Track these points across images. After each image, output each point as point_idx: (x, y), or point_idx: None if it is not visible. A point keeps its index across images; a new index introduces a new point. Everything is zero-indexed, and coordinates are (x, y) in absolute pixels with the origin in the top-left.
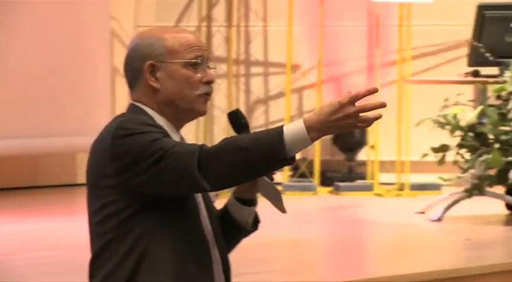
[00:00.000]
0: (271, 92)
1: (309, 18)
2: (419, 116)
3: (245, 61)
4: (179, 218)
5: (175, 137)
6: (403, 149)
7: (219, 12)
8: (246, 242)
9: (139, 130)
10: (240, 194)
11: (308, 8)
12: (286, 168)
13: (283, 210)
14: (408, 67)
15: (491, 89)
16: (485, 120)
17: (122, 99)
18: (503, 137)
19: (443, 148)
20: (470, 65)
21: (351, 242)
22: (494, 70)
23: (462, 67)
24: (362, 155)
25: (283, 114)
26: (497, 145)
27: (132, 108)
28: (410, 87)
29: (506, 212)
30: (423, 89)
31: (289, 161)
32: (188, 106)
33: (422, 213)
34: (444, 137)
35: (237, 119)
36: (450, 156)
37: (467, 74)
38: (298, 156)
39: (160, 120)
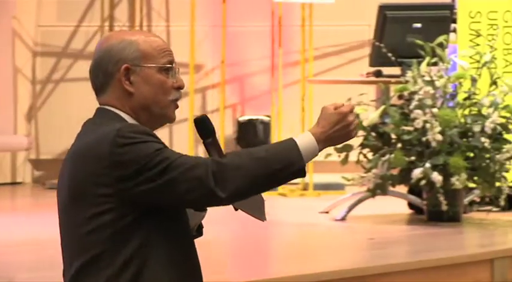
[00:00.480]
0: None
1: (211, 18)
2: None
3: None
4: (175, 226)
5: None
6: None
7: (121, 12)
8: None
9: (141, 139)
10: None
11: (210, 8)
12: None
13: (261, 218)
14: (311, 67)
15: (393, 89)
16: (387, 120)
17: (24, 100)
18: (406, 137)
19: (346, 148)
20: (372, 65)
21: (255, 242)
22: (396, 70)
23: (364, 67)
24: None
25: (187, 114)
26: (399, 145)
27: (103, 113)
28: (313, 87)
29: (408, 211)
30: (326, 89)
31: (304, 172)
32: (161, 112)
33: (326, 212)
34: None
35: (205, 126)
36: (353, 156)
37: (369, 74)
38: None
39: None
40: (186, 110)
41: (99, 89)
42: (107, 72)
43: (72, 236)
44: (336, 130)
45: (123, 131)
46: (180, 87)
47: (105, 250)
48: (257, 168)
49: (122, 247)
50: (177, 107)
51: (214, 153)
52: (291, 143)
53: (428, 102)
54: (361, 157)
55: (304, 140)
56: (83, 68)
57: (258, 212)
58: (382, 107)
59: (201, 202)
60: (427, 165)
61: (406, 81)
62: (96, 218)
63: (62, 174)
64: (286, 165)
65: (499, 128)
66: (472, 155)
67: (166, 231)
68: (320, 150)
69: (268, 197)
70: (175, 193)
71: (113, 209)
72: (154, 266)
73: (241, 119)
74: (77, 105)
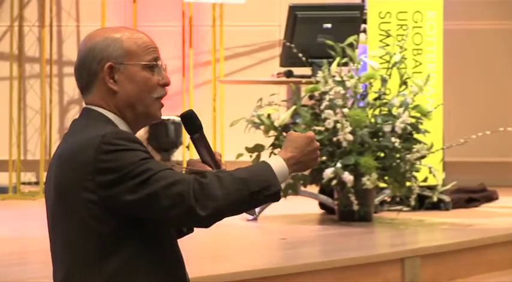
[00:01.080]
0: None
1: (122, 18)
2: (233, 116)
3: (58, 61)
4: (162, 236)
5: None
6: (219, 149)
7: (31, 12)
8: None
9: (126, 146)
10: None
11: (121, 7)
12: None
13: (251, 213)
14: (222, 67)
15: (304, 89)
16: (298, 120)
17: None
18: (317, 137)
19: (258, 148)
20: (282, 65)
21: None
22: (307, 70)
23: (275, 67)
24: (178, 155)
25: None
26: None
27: (89, 113)
28: (224, 88)
29: (320, 211)
30: (237, 89)
31: (280, 195)
32: (145, 110)
33: None
34: (259, 137)
35: (191, 121)
36: (265, 156)
37: (280, 74)
38: None
39: (121, 124)
40: None
41: (84, 88)
42: (90, 71)
43: (60, 239)
44: (304, 154)
45: (108, 137)
46: (165, 84)
47: (94, 257)
48: (237, 189)
49: (110, 255)
50: (162, 105)
51: (202, 149)
52: (266, 166)
53: (339, 102)
54: None
55: (277, 164)
56: None
57: None
58: (293, 107)
59: (181, 219)
60: (338, 165)
61: (317, 82)
62: (82, 223)
63: (49, 176)
64: (264, 187)
65: (409, 128)
66: (382, 155)
67: (154, 241)
68: (290, 173)
69: None
70: (157, 207)
71: (97, 216)
72: (143, 276)
73: None
74: None
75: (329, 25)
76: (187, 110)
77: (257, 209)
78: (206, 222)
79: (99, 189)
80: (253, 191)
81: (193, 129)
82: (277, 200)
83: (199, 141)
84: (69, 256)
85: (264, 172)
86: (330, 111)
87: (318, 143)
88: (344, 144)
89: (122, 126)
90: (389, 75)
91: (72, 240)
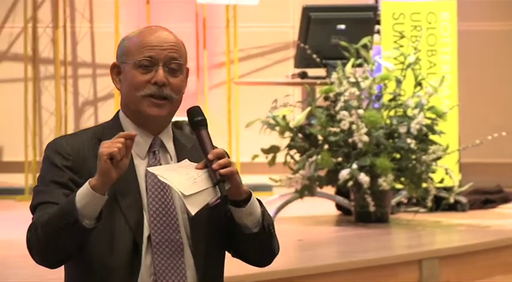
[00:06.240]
0: (100, 93)
1: (135, 20)
2: (248, 118)
3: (72, 62)
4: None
5: (143, 143)
6: (234, 151)
7: (44, 13)
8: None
9: (49, 159)
10: (230, 196)
11: (135, 9)
12: None
13: (190, 207)
14: (236, 69)
15: (319, 90)
16: (313, 121)
17: None
18: (332, 138)
19: (273, 149)
20: (297, 66)
21: None
22: (321, 71)
23: (290, 69)
24: None
25: (112, 116)
26: (326, 146)
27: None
28: (239, 89)
29: (336, 212)
30: (252, 91)
31: (80, 224)
32: (135, 108)
33: None
34: (274, 138)
35: (191, 117)
36: (280, 157)
37: (294, 75)
38: None
39: (128, 125)
40: (112, 112)
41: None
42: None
43: None
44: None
45: (53, 143)
46: (155, 83)
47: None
48: (45, 233)
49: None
50: (153, 102)
51: (203, 145)
52: (71, 198)
53: (354, 103)
54: (289, 158)
55: (82, 190)
56: (7, 69)
57: (196, 201)
58: (308, 108)
59: None
60: (354, 166)
61: (332, 83)
62: None
63: None
64: (66, 222)
65: (424, 129)
66: (398, 156)
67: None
68: (96, 187)
69: None
70: None
71: None
72: None
73: None
74: (2, 106)
75: (343, 26)
76: (194, 105)
77: (272, 211)
78: (44, 265)
79: None
80: (61, 227)
81: (192, 126)
82: (84, 230)
83: (200, 137)
84: None
85: (64, 206)
86: (345, 112)
87: (101, 150)
88: (359, 145)
89: (127, 124)
90: (404, 76)
91: None
